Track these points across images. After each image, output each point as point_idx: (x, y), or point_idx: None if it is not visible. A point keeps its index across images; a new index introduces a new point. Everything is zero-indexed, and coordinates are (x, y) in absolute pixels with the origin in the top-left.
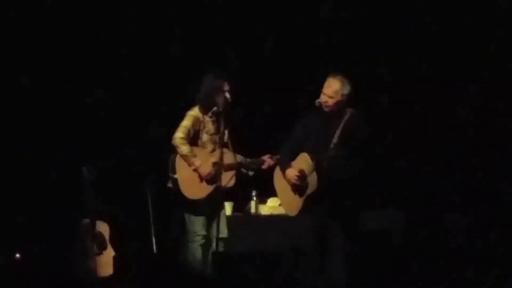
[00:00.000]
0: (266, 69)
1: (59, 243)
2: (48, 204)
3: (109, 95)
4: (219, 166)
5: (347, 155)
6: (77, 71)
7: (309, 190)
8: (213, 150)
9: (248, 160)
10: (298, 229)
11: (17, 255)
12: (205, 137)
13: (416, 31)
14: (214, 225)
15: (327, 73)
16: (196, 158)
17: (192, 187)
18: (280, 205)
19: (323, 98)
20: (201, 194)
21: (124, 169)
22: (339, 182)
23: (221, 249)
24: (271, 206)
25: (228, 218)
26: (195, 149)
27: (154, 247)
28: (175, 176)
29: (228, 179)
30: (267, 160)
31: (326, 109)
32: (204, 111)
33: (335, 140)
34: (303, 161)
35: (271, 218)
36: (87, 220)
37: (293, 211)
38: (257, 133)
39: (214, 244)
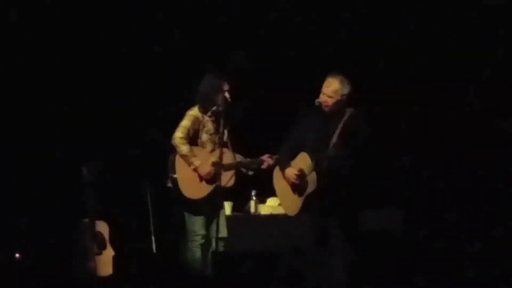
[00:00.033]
0: (266, 69)
1: (59, 243)
2: (48, 204)
3: (109, 95)
4: (218, 166)
5: (347, 155)
6: (77, 71)
7: (308, 190)
8: (212, 150)
9: (248, 159)
10: (298, 229)
11: (17, 255)
12: (204, 136)
13: (416, 31)
14: (214, 225)
15: (327, 73)
16: (196, 158)
17: (192, 187)
18: (279, 204)
19: (322, 98)
20: (200, 193)
21: (124, 169)
22: (338, 182)
23: (220, 248)
24: (270, 206)
25: (228, 218)
26: (195, 148)
27: (154, 246)
28: (175, 175)
29: (227, 178)
30: (267, 160)
31: (326, 109)
32: (204, 110)
33: (334, 140)
34: (302, 161)
35: (271, 217)
36: (86, 220)
37: (292, 211)
38: (256, 133)
39: (213, 244)
